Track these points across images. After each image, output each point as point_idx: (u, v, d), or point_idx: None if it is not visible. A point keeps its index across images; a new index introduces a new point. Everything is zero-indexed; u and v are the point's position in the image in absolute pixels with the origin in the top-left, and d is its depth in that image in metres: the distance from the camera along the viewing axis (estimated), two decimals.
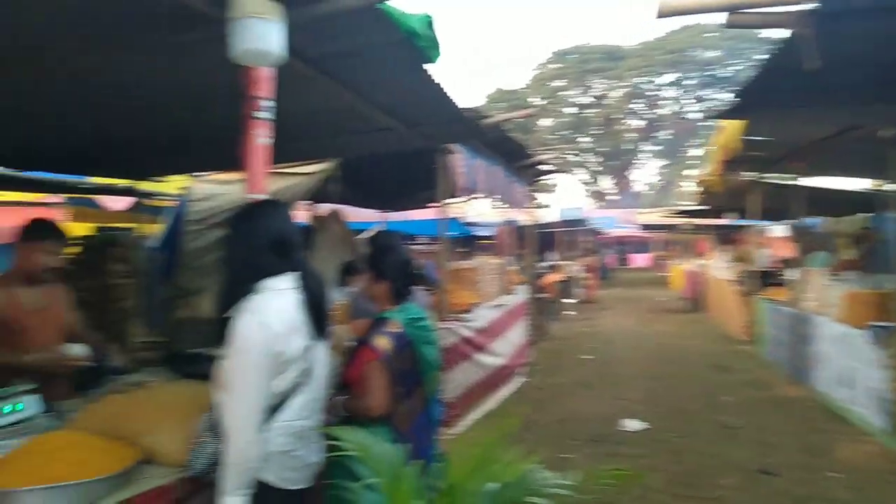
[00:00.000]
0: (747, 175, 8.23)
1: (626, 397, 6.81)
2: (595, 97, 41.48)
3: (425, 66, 3.10)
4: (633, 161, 44.74)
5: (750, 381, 7.51)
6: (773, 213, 9.07)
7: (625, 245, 34.06)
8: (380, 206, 10.49)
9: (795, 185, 7.54)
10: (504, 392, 6.87)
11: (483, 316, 6.45)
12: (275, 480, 1.89)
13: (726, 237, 15.30)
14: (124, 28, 2.29)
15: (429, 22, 2.86)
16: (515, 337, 7.82)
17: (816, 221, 12.77)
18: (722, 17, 2.48)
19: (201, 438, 1.91)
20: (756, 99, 3.54)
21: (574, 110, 42.06)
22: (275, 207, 2.18)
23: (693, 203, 13.64)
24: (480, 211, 15.64)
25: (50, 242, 3.00)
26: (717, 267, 13.08)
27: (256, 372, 1.83)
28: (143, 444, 2.05)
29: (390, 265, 2.59)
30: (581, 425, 5.76)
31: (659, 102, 41.04)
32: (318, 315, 2.08)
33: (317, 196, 7.22)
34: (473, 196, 7.69)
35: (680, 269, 18.72)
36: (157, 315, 5.83)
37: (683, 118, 40.23)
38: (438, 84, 3.42)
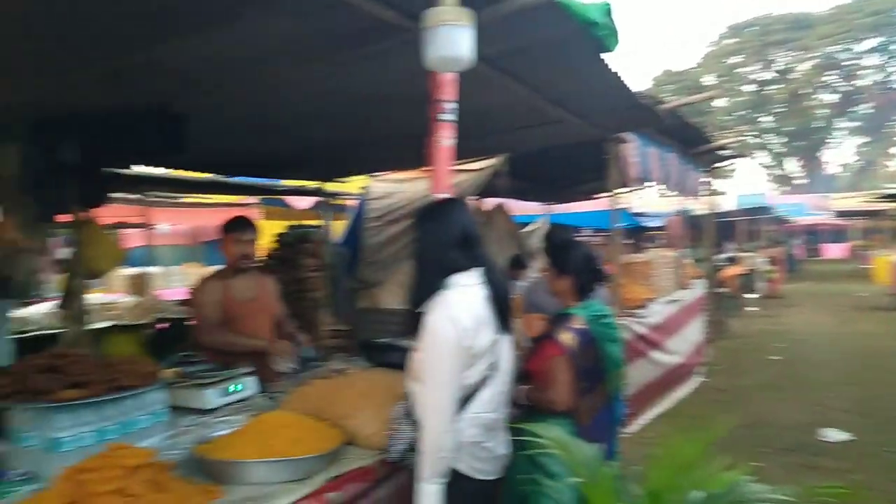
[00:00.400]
0: None
1: (824, 404, 6.13)
2: (778, 72, 37.67)
3: (602, 56, 3.03)
4: (825, 140, 40.04)
5: None
6: None
7: (816, 234, 30.62)
8: (545, 198, 10.42)
9: None
10: (681, 392, 6.51)
11: (658, 311, 6.17)
12: (467, 470, 1.96)
13: None
14: (326, 44, 2.50)
15: (607, 10, 2.77)
16: (692, 334, 7.37)
17: None
18: None
19: (397, 426, 2.02)
20: None
21: (753, 88, 38.54)
22: (460, 205, 2.25)
23: None
24: (648, 200, 14.93)
25: (242, 233, 3.37)
26: None
27: (449, 365, 1.91)
28: (345, 426, 2.22)
29: (574, 260, 2.56)
30: (771, 432, 5.29)
31: (857, 73, 36.30)
32: (502, 310, 2.12)
33: (483, 191, 7.35)
34: (646, 185, 7.36)
35: (886, 260, 16.43)
36: (343, 305, 6.31)
37: (888, 89, 35.19)
38: (615, 72, 3.31)
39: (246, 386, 2.70)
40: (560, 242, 2.72)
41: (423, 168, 6.26)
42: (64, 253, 3.85)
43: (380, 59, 2.72)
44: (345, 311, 6.30)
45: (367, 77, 2.99)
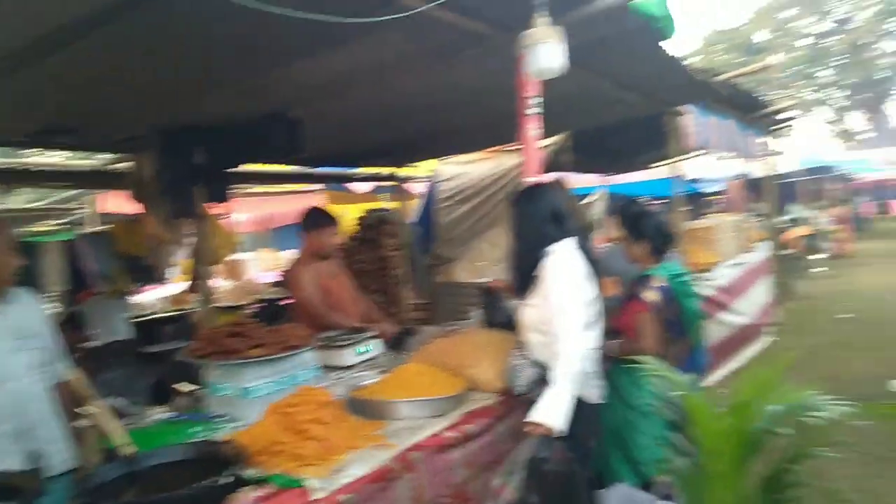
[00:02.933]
0: None
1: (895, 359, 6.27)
2: (836, 22, 35.99)
3: (661, 43, 3.36)
4: (891, 91, 38.15)
5: None
6: None
7: (885, 190, 29.44)
8: (604, 170, 10.62)
9: None
10: (751, 352, 6.75)
11: (723, 275, 6.40)
12: (585, 395, 2.37)
13: None
14: (427, 55, 2.91)
15: (663, 2, 3.12)
16: (759, 296, 7.56)
17: None
18: None
19: (518, 368, 2.45)
20: None
21: (810, 41, 36.96)
22: (550, 187, 2.65)
23: None
24: (706, 166, 14.85)
25: (332, 228, 3.70)
26: None
27: (576, 301, 2.33)
28: (466, 374, 2.67)
29: (648, 226, 2.93)
30: (844, 385, 5.45)
31: None
32: (594, 269, 2.52)
33: (547, 167, 7.67)
34: (704, 152, 7.53)
35: None
36: (421, 281, 6.80)
37: None
38: (673, 57, 3.63)
39: (373, 347, 3.19)
40: (634, 212, 3.09)
41: (487, 150, 6.66)
42: (191, 243, 4.43)
43: (467, 62, 3.11)
44: (424, 286, 6.79)
45: (452, 78, 3.41)
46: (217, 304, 6.49)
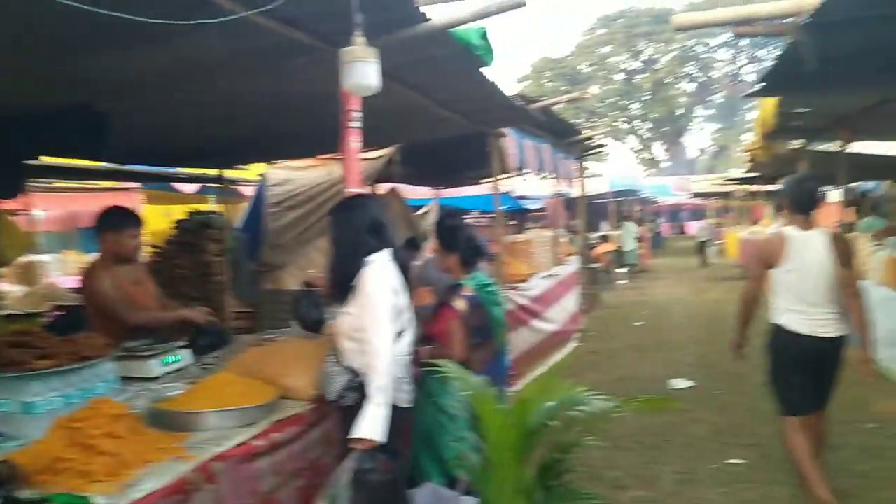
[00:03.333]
0: (793, 143, 8.38)
1: (677, 360, 7.22)
2: (644, 62, 40.62)
3: (481, 69, 3.64)
4: (687, 126, 43.79)
5: None
6: (824, 180, 9.16)
7: (680, 213, 33.68)
8: (435, 183, 11.06)
9: (841, 152, 7.68)
10: (559, 356, 7.39)
11: (537, 285, 6.95)
12: (396, 400, 2.47)
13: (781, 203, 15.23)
14: (249, 58, 2.89)
15: (483, 33, 3.39)
16: (569, 305, 8.30)
17: (872, 186, 12.65)
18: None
19: (332, 374, 2.50)
20: (780, 82, 3.90)
21: (623, 76, 41.33)
22: (370, 199, 2.76)
23: (745, 170, 13.67)
24: (531, 184, 16.02)
25: (132, 229, 3.42)
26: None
27: (389, 315, 2.43)
28: (280, 383, 2.67)
29: (459, 239, 3.14)
30: (632, 384, 6.23)
31: (712, 65, 39.94)
32: (407, 280, 2.66)
33: (379, 177, 7.81)
34: (523, 172, 8.14)
35: (735, 236, 18.65)
36: (246, 288, 6.58)
37: (738, 81, 39.07)
38: (492, 82, 3.94)
39: (181, 357, 3.06)
40: (447, 225, 3.30)
41: (319, 157, 6.66)
42: None
43: (295, 70, 3.13)
44: (249, 294, 6.58)
45: (280, 85, 3.40)
46: (6, 311, 5.78)
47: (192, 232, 6.26)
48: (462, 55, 3.25)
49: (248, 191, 7.61)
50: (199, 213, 6.59)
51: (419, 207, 12.83)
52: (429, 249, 6.77)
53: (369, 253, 2.52)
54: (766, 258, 3.50)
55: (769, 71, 3.81)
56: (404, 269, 2.66)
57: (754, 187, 15.87)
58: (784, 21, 2.77)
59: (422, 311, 3.20)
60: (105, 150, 3.60)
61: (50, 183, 8.28)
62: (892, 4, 2.57)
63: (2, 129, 3.36)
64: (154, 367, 2.87)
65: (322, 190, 6.45)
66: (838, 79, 3.82)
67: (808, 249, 3.36)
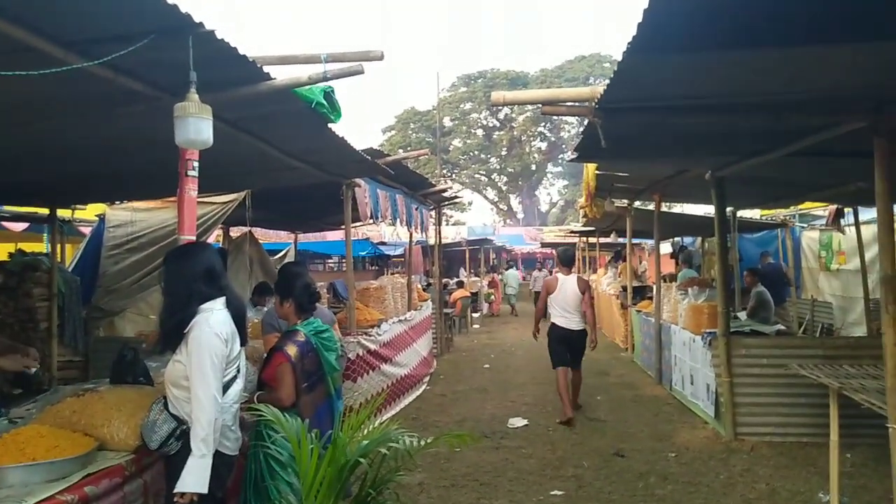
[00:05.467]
0: (621, 202, 9.40)
1: (515, 400, 7.67)
2: (501, 120, 43.26)
3: (328, 125, 3.84)
4: (540, 181, 46.91)
5: (622, 383, 8.61)
6: (644, 234, 10.32)
7: (532, 261, 35.74)
8: (292, 228, 11.05)
9: (655, 211, 8.74)
10: (408, 398, 7.57)
11: (388, 330, 7.13)
12: (221, 448, 2.49)
13: (617, 254, 16.77)
14: (84, 103, 2.87)
15: (328, 92, 3.60)
16: (421, 349, 8.55)
17: (690, 241, 14.35)
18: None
19: (155, 423, 2.48)
20: (588, 153, 4.51)
21: (483, 132, 43.70)
22: (204, 247, 2.81)
23: (581, 224, 14.97)
24: (391, 231, 16.41)
25: None
26: (606, 282, 14.39)
27: (217, 367, 2.45)
28: (98, 434, 2.60)
29: (295, 287, 3.26)
30: (475, 424, 6.54)
31: (562, 126, 43.38)
32: (241, 327, 2.72)
33: (231, 220, 7.71)
34: (377, 221, 8.39)
35: None
36: (76, 335, 6.14)
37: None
38: (340, 138, 4.15)
39: None
40: (286, 274, 3.41)
41: (163, 199, 6.48)
42: None
43: (132, 115, 3.14)
44: (78, 341, 6.15)
45: (116, 128, 3.38)
46: None
47: (15, 274, 5.78)
48: (305, 113, 3.42)
49: (81, 229, 7.16)
50: (24, 253, 6.11)
51: (278, 251, 12.69)
52: None
53: (202, 301, 2.56)
54: (549, 289, 7.00)
55: (578, 143, 4.38)
56: (239, 316, 2.71)
57: (589, 239, 17.33)
58: (583, 104, 3.26)
59: (259, 357, 3.26)
60: None
61: None
62: (659, 97, 3.13)
63: None
64: None
65: (167, 233, 6.26)
66: (626, 152, 4.48)
67: (566, 283, 6.88)
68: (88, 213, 6.95)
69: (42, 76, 2.33)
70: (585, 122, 3.63)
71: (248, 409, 2.83)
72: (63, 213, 6.63)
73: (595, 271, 17.36)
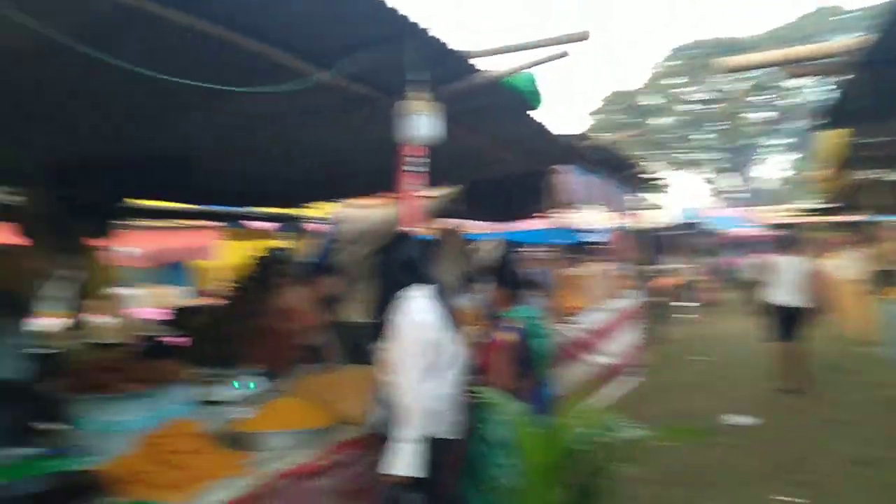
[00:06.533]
0: (866, 173, 8.13)
1: (737, 396, 7.05)
2: (716, 92, 39.86)
3: (531, 112, 3.85)
4: (758, 156, 42.48)
5: (865, 381, 7.47)
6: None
7: (752, 245, 32.50)
8: (496, 219, 11.28)
9: None
10: (617, 390, 7.34)
11: (593, 319, 6.98)
12: (436, 433, 2.62)
13: (855, 234, 14.57)
14: (316, 112, 3.20)
15: (531, 80, 3.60)
16: (627, 339, 8.24)
17: None
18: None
19: (374, 406, 2.69)
20: (842, 117, 3.83)
21: (694, 107, 40.67)
22: (406, 239, 2.95)
23: (817, 201, 13.22)
24: (593, 218, 15.98)
25: None
26: (843, 266, 12.56)
27: (415, 353, 2.56)
28: (337, 408, 2.89)
29: (507, 275, 3.32)
30: (688, 419, 6.13)
31: (788, 93, 38.77)
32: (448, 313, 2.81)
33: (440, 214, 8.09)
34: (580, 207, 8.23)
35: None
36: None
37: (809, 110, 37.70)
38: (541, 124, 4.14)
39: (251, 384, 3.33)
40: (499, 261, 3.48)
41: (385, 196, 6.99)
42: (70, 277, 4.39)
43: (359, 118, 3.43)
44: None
45: (345, 131, 3.72)
46: (94, 340, 6.30)
47: (267, 267, 6.66)
48: (513, 102, 3.46)
49: (318, 227, 8.01)
50: (273, 249, 7.00)
51: (480, 242, 13.05)
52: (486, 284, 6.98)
53: (402, 289, 2.67)
54: (769, 269, 7.28)
55: (830, 107, 3.75)
56: (445, 301, 2.81)
57: (825, 218, 15.23)
58: (834, 60, 2.81)
59: (476, 344, 3.38)
60: (188, 193, 3.99)
61: (139, 222, 9.01)
62: None
63: (98, 176, 3.80)
64: (225, 391, 3.15)
65: (379, 228, 6.76)
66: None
67: (789, 264, 7.04)
68: (320, 211, 7.77)
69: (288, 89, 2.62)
70: (834, 83, 3.13)
71: (467, 393, 2.94)
72: (295, 212, 7.49)
73: (825, 253, 15.27)
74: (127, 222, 7.76)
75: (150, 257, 11.56)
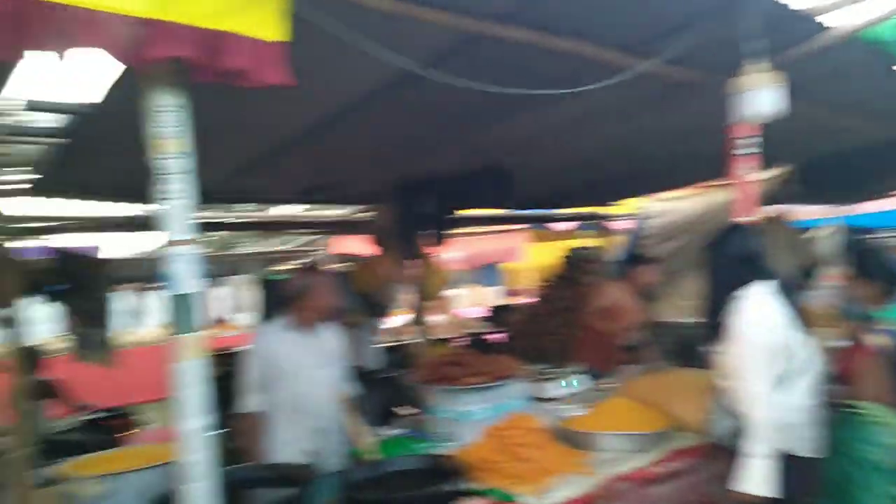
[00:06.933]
0: None
1: None
2: None
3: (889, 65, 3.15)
4: None
5: None
6: None
7: None
8: (835, 200, 9.64)
9: None
10: None
11: None
12: (792, 449, 2.30)
13: None
14: (639, 104, 3.09)
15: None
16: None
17: None
18: None
19: (716, 414, 2.45)
20: None
21: None
22: (740, 230, 2.61)
23: None
24: None
25: None
26: None
27: (761, 360, 2.27)
28: (670, 413, 2.73)
29: (876, 264, 2.75)
30: None
31: None
32: (795, 313, 2.41)
33: (766, 200, 7.22)
34: None
35: None
36: None
37: None
38: None
39: (576, 382, 3.36)
40: (860, 249, 2.90)
41: (698, 185, 6.51)
42: (413, 281, 5.00)
43: (673, 107, 3.22)
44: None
45: (656, 122, 3.52)
46: (431, 337, 7.10)
47: (575, 266, 6.74)
48: (867, 57, 2.88)
49: (622, 225, 7.85)
50: (580, 248, 7.07)
51: (808, 229, 11.25)
52: (830, 278, 5.95)
53: (743, 286, 2.38)
54: None
55: None
56: (791, 300, 2.43)
57: None
58: None
59: (833, 348, 2.89)
60: (509, 201, 4.24)
61: (461, 230, 9.99)
62: None
63: (437, 190, 4.25)
64: (554, 389, 3.23)
65: (699, 219, 6.30)
66: None
67: None
68: (623, 208, 7.58)
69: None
70: None
71: (830, 406, 2.52)
72: (600, 210, 7.45)
73: None
74: (454, 231, 8.69)
75: (468, 261, 12.72)
